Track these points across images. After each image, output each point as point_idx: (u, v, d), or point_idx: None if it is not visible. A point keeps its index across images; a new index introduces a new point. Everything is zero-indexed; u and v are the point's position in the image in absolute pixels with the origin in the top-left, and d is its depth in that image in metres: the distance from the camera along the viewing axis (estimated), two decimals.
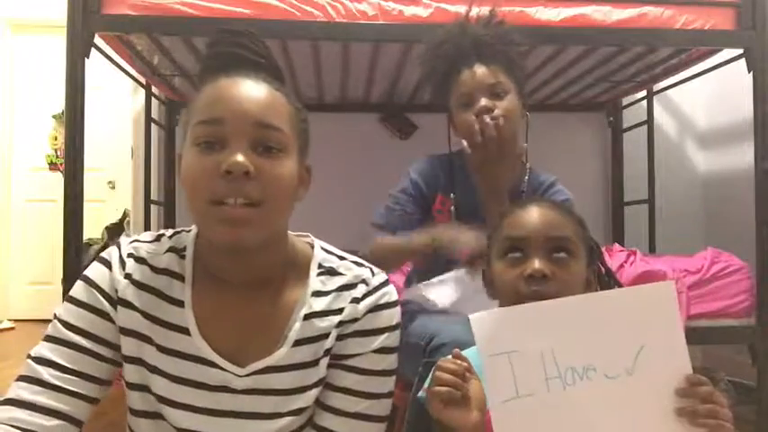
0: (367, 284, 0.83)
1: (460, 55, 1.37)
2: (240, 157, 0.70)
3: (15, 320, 4.19)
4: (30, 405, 0.73)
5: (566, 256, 0.84)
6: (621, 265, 2.05)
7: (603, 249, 1.00)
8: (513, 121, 1.34)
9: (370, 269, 0.86)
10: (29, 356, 0.77)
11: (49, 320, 0.80)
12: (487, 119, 1.29)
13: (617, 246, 2.44)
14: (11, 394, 0.75)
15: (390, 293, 0.85)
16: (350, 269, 0.85)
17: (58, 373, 0.75)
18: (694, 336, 2.01)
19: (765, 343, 2.01)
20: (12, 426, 0.71)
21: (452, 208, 1.40)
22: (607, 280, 0.94)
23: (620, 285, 0.94)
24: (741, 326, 2.08)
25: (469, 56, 1.36)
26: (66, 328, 0.77)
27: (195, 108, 0.76)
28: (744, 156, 2.34)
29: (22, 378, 0.76)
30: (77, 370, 0.76)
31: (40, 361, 0.76)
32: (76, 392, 0.75)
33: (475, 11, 1.47)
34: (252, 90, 0.75)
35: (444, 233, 1.26)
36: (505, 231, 0.88)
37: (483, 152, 1.32)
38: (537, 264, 0.81)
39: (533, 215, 0.86)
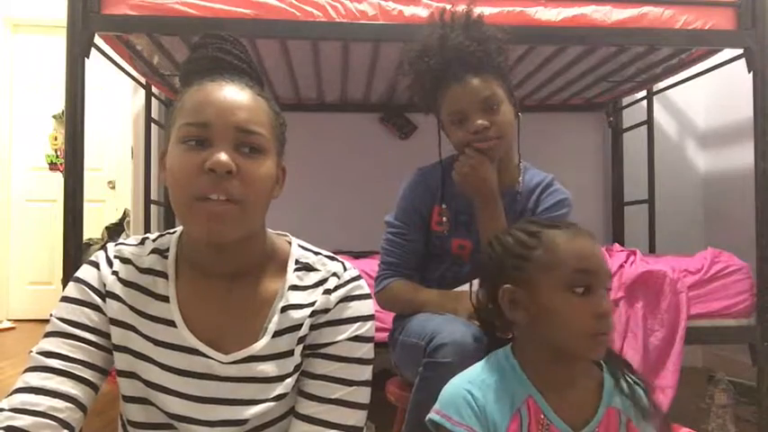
0: (338, 277, 0.87)
1: (445, 67, 1.31)
2: (224, 157, 0.75)
3: (15, 320, 4.20)
4: (39, 390, 0.76)
5: (610, 290, 0.86)
6: (621, 266, 2.05)
7: (603, 249, 0.99)
8: (510, 133, 1.33)
9: (342, 263, 0.90)
10: (31, 352, 0.81)
11: (49, 320, 0.84)
12: (485, 142, 1.29)
13: (617, 246, 2.44)
14: (19, 384, 0.78)
15: (362, 286, 0.89)
16: (324, 264, 0.89)
17: (62, 362, 0.79)
18: (694, 336, 2.02)
19: (765, 343, 2.02)
20: (24, 410, 0.74)
21: (444, 220, 1.39)
22: None
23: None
24: (741, 326, 2.08)
25: (455, 69, 1.30)
26: (64, 323, 0.82)
27: (181, 109, 0.80)
28: (744, 156, 2.34)
29: (28, 370, 0.79)
30: (79, 358, 0.80)
31: (44, 353, 0.79)
32: (82, 377, 0.79)
33: (448, 7, 1.41)
34: (236, 95, 0.80)
35: (458, 304, 1.27)
36: (574, 263, 0.83)
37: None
38: (607, 303, 0.82)
39: (594, 246, 0.85)
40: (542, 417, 0.82)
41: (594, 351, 0.82)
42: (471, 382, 0.85)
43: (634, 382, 0.87)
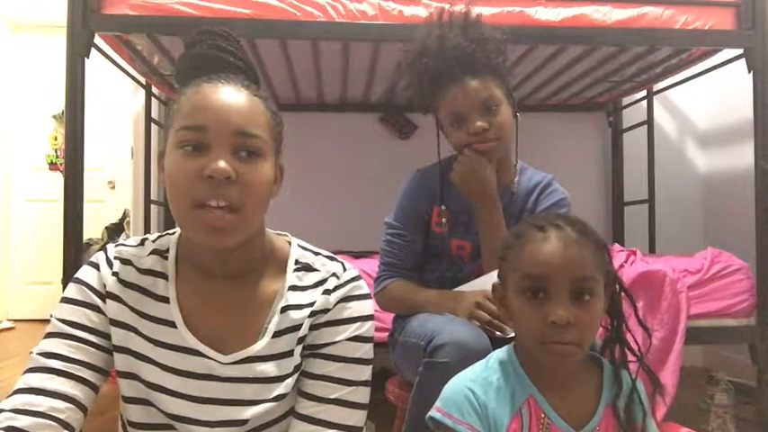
0: (338, 277, 0.87)
1: (444, 68, 1.31)
2: (222, 164, 0.75)
3: (15, 320, 4.20)
4: (40, 390, 0.76)
5: (589, 298, 0.80)
6: (621, 266, 2.05)
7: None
8: (508, 133, 1.33)
9: (342, 264, 0.90)
10: (32, 353, 0.81)
11: (49, 320, 0.84)
12: (484, 144, 1.29)
13: (617, 246, 2.44)
14: (20, 385, 0.78)
15: (361, 286, 0.89)
16: (324, 265, 0.89)
17: (63, 363, 0.79)
18: (694, 336, 2.02)
19: (765, 343, 2.01)
20: (25, 410, 0.74)
21: (444, 221, 1.39)
22: (619, 291, 0.89)
23: (631, 298, 0.92)
24: (741, 326, 2.08)
25: (453, 70, 1.30)
26: (64, 324, 0.82)
27: (178, 111, 0.80)
28: (744, 156, 2.34)
29: (28, 370, 0.79)
30: (79, 359, 0.80)
31: (45, 354, 0.79)
32: (82, 378, 0.79)
33: (447, 6, 1.40)
34: (233, 98, 0.79)
35: (457, 305, 1.27)
36: (526, 267, 0.81)
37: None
38: (562, 312, 0.77)
39: (556, 250, 0.80)
40: (543, 416, 0.82)
41: (549, 358, 0.81)
42: (473, 381, 0.85)
43: (633, 379, 0.87)
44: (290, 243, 0.92)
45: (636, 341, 0.89)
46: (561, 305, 0.78)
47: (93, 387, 0.81)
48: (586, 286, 0.80)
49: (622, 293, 0.90)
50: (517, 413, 0.82)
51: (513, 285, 0.84)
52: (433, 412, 0.84)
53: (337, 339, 0.84)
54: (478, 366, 0.89)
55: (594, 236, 0.85)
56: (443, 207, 1.40)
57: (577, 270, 0.80)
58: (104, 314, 0.83)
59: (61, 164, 4.20)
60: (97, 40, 1.89)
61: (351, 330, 0.85)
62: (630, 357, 0.88)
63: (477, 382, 0.84)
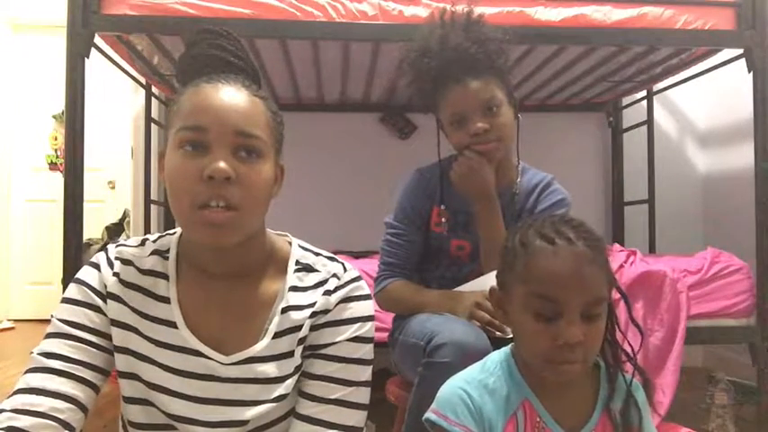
0: (338, 278, 0.87)
1: (445, 68, 1.31)
2: (222, 164, 0.75)
3: (15, 320, 4.20)
4: (40, 390, 0.76)
5: (598, 315, 0.77)
6: (621, 266, 2.05)
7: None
8: (509, 135, 1.33)
9: (342, 264, 0.90)
10: (32, 353, 0.81)
11: (49, 320, 0.84)
12: (485, 145, 1.29)
13: (617, 246, 2.44)
14: (20, 385, 0.78)
15: (361, 287, 0.89)
16: (324, 265, 0.89)
17: (63, 363, 0.79)
18: (694, 336, 2.02)
19: (765, 343, 2.02)
20: (25, 410, 0.74)
21: (443, 221, 1.39)
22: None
23: (626, 299, 0.91)
24: (741, 326, 2.09)
25: (455, 70, 1.30)
26: (65, 324, 0.82)
27: (178, 111, 0.80)
28: (744, 156, 2.34)
29: (29, 371, 0.79)
30: (80, 359, 0.80)
31: (45, 354, 0.80)
32: (83, 378, 0.79)
33: (448, 6, 1.40)
34: (233, 98, 0.79)
35: (457, 305, 1.27)
36: (537, 286, 0.78)
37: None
38: (573, 334, 0.75)
39: (570, 271, 0.76)
40: (538, 420, 0.82)
41: (554, 376, 0.80)
42: (468, 383, 0.84)
43: (631, 382, 0.86)
44: (290, 243, 0.92)
45: (629, 343, 0.88)
46: (572, 326, 0.76)
47: (94, 387, 0.81)
48: (597, 306, 0.78)
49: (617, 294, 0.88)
50: (512, 417, 0.82)
51: (520, 300, 0.81)
52: (428, 414, 0.84)
53: (338, 340, 0.84)
54: (475, 368, 0.88)
55: (600, 245, 0.81)
56: (443, 207, 1.40)
57: (591, 292, 0.77)
58: (105, 314, 0.83)
59: (61, 164, 4.20)
60: (97, 40, 1.89)
61: (351, 331, 0.85)
62: (626, 359, 0.88)
63: (473, 384, 0.84)
